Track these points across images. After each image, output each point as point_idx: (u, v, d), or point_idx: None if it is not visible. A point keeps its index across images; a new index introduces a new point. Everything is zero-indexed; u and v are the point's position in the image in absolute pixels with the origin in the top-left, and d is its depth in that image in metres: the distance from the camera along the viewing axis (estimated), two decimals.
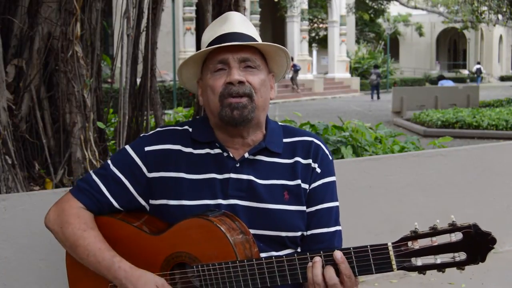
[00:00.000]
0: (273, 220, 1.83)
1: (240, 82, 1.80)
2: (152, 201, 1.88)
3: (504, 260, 4.27)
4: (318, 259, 1.67)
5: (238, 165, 1.86)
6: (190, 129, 1.93)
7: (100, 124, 4.44)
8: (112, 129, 5.67)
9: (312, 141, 1.94)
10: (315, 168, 1.90)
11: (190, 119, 1.79)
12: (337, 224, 1.93)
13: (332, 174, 1.95)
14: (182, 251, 1.76)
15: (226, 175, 1.85)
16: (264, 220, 1.83)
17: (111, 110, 6.09)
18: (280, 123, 2.01)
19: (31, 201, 2.72)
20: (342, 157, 4.97)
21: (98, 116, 4.53)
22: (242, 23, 1.90)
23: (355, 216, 3.77)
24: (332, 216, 1.91)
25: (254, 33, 1.92)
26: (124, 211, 1.90)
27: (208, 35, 1.91)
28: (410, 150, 5.54)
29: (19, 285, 2.69)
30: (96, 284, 1.86)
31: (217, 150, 1.88)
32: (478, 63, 47.20)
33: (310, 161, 1.90)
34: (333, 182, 1.95)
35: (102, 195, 1.87)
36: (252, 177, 1.85)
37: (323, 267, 1.67)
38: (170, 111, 9.89)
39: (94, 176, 1.90)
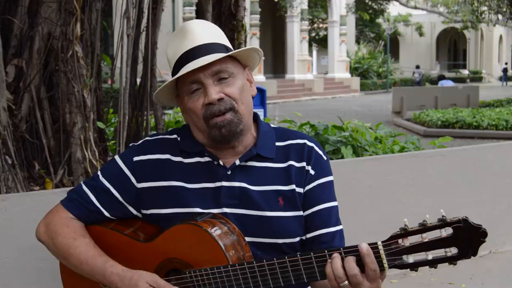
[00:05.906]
0: (268, 227, 1.79)
1: (219, 99, 1.74)
2: (143, 211, 1.87)
3: (504, 260, 4.27)
4: (336, 254, 1.64)
5: (229, 172, 1.81)
6: (179, 139, 1.89)
7: (100, 124, 4.44)
8: (112, 129, 5.67)
9: (304, 143, 1.89)
10: (308, 171, 1.85)
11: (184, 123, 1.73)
12: (338, 223, 1.89)
13: (328, 174, 1.89)
14: (173, 257, 1.75)
15: (218, 184, 1.81)
16: (259, 228, 1.79)
17: (111, 110, 6.09)
18: (272, 126, 1.95)
19: (31, 201, 2.72)
20: (342, 157, 4.96)
21: (98, 116, 4.54)
22: (202, 31, 1.82)
23: (355, 216, 3.77)
24: (332, 216, 1.87)
25: (218, 35, 1.84)
26: (117, 220, 1.88)
27: (172, 52, 1.85)
28: (410, 150, 5.53)
29: (19, 285, 2.69)
30: None
31: (207, 159, 1.84)
32: (506, 63, 46.56)
33: (304, 164, 1.85)
34: (330, 182, 1.89)
35: (92, 205, 1.86)
36: (244, 184, 1.80)
37: (342, 260, 1.63)
38: (170, 111, 9.86)
39: (84, 187, 1.89)
